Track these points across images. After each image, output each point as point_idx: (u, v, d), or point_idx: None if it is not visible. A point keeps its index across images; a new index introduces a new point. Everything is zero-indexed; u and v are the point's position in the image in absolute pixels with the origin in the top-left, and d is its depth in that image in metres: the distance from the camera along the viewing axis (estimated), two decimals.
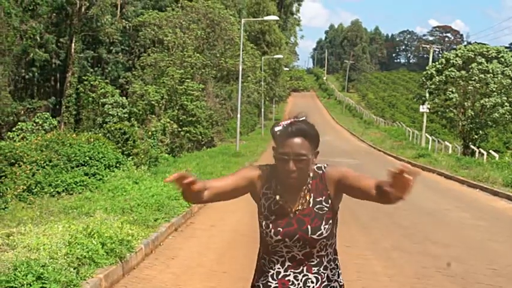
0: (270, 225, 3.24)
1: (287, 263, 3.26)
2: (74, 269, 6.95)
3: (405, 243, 11.80)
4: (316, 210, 3.24)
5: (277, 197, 3.26)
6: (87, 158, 17.07)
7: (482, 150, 36.66)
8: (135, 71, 45.90)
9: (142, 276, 8.58)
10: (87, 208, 11.31)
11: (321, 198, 3.26)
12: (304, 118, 3.24)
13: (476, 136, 40.69)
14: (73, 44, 45.09)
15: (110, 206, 11.65)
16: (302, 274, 3.25)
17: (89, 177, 16.17)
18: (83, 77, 43.46)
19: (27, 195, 14.70)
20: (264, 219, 3.27)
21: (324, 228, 3.22)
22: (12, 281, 6.05)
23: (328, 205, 3.26)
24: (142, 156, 24.18)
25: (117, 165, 17.73)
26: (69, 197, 13.82)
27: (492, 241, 12.65)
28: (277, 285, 3.26)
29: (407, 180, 2.80)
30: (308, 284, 3.24)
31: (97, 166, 16.93)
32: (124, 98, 40.29)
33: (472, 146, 39.79)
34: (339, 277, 3.39)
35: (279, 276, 3.26)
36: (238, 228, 12.45)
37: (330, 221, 3.26)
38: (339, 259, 3.43)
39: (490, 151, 37.64)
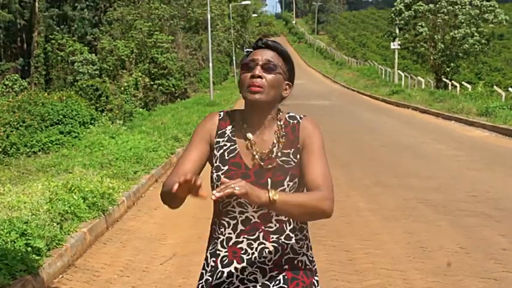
0: (222, 177, 2.64)
1: (239, 227, 2.71)
2: (57, 224, 6.91)
3: (385, 178, 11.87)
4: (281, 163, 2.71)
5: (248, 135, 2.75)
6: (61, 116, 16.92)
7: (454, 83, 36.81)
8: (103, 27, 45.37)
9: (127, 227, 8.57)
10: (65, 165, 11.22)
11: (289, 151, 2.73)
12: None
13: (448, 69, 40.82)
14: (37, 3, 44.38)
15: (88, 161, 11.57)
16: (258, 242, 2.69)
17: (64, 135, 16.06)
18: (50, 36, 42.92)
19: (3, 157, 14.60)
20: (215, 171, 2.73)
21: (288, 185, 2.67)
22: None
23: (296, 160, 2.72)
24: (117, 111, 24.03)
25: (92, 121, 17.59)
26: (46, 156, 13.71)
27: (470, 169, 12.77)
28: (226, 253, 2.73)
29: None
30: (264, 255, 2.69)
31: (71, 124, 16.80)
32: (93, 54, 39.88)
33: (444, 79, 39.94)
34: (308, 250, 2.82)
35: (230, 243, 2.72)
36: None
37: (296, 180, 2.71)
38: (308, 229, 2.85)
39: (463, 83, 37.78)
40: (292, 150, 2.73)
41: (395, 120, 24.65)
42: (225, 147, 2.76)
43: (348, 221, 8.55)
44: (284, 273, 2.71)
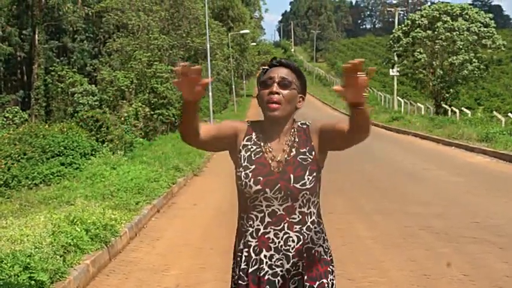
0: (250, 175, 3.09)
1: (267, 219, 3.08)
2: (60, 256, 6.90)
3: (386, 205, 11.87)
4: (300, 160, 3.11)
5: (261, 144, 3.16)
6: (62, 148, 16.92)
7: (454, 108, 36.89)
8: (102, 58, 45.54)
9: (129, 259, 8.55)
10: (67, 197, 11.22)
11: (304, 150, 3.13)
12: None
13: (447, 95, 40.94)
14: (36, 35, 44.59)
15: (90, 193, 11.56)
16: (283, 232, 3.07)
17: (66, 167, 16.04)
18: (50, 68, 43.08)
19: (5, 189, 14.57)
20: (243, 170, 3.12)
21: (308, 178, 3.07)
22: None
23: (312, 156, 3.13)
24: (117, 142, 23.99)
25: (93, 152, 17.59)
26: (47, 188, 13.69)
27: (472, 195, 12.77)
28: (257, 243, 3.10)
29: (359, 79, 2.69)
30: (289, 243, 3.07)
31: (73, 155, 16.79)
32: (93, 85, 39.99)
33: (444, 105, 40.04)
34: (324, 242, 3.19)
35: (259, 234, 3.09)
36: (220, 206, 12.43)
37: (314, 174, 3.10)
38: (323, 224, 3.24)
39: (462, 108, 37.89)
40: (307, 148, 3.15)
41: (396, 146, 24.68)
42: (251, 149, 3.17)
43: (351, 248, 8.55)
44: (303, 261, 3.09)
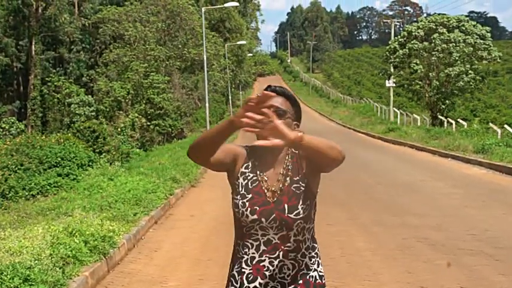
0: (247, 204, 3.10)
1: (262, 248, 3.10)
2: (60, 268, 6.92)
3: (384, 217, 11.89)
4: (293, 189, 3.11)
5: (257, 172, 3.16)
6: (59, 159, 16.92)
7: (450, 120, 36.93)
8: (99, 69, 45.59)
9: (128, 270, 8.56)
10: (65, 208, 11.22)
11: (297, 178, 3.14)
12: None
13: (443, 106, 40.94)
14: (33, 46, 44.65)
15: (88, 204, 11.57)
16: (278, 260, 3.08)
17: (63, 178, 16.04)
18: (46, 79, 43.13)
19: (2, 200, 14.57)
20: (241, 198, 3.13)
21: (301, 207, 3.08)
22: None
23: (304, 184, 3.14)
24: (114, 152, 24.04)
25: (90, 163, 17.59)
26: (44, 199, 13.71)
27: (469, 207, 12.79)
28: (251, 271, 3.10)
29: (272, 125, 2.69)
30: (284, 271, 3.09)
31: (70, 166, 16.79)
32: (90, 96, 40.03)
33: (440, 117, 40.05)
34: (318, 266, 3.22)
35: (254, 262, 3.10)
36: (217, 217, 12.44)
37: (308, 202, 3.12)
38: (318, 248, 3.27)
39: (458, 120, 37.93)
40: (300, 176, 3.14)
41: (392, 158, 24.71)
42: (249, 177, 3.17)
43: (348, 260, 8.57)
44: (298, 287, 3.11)
